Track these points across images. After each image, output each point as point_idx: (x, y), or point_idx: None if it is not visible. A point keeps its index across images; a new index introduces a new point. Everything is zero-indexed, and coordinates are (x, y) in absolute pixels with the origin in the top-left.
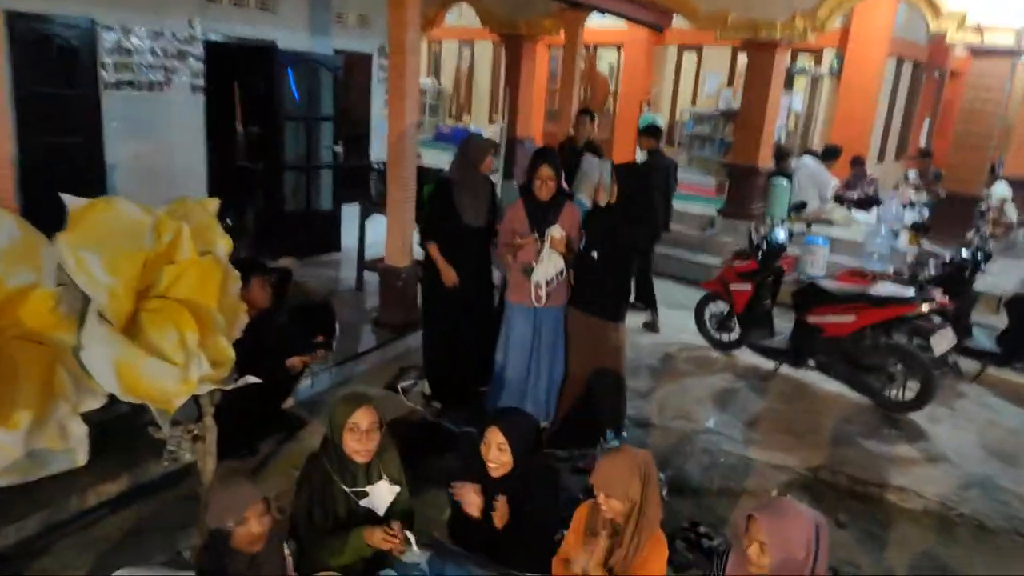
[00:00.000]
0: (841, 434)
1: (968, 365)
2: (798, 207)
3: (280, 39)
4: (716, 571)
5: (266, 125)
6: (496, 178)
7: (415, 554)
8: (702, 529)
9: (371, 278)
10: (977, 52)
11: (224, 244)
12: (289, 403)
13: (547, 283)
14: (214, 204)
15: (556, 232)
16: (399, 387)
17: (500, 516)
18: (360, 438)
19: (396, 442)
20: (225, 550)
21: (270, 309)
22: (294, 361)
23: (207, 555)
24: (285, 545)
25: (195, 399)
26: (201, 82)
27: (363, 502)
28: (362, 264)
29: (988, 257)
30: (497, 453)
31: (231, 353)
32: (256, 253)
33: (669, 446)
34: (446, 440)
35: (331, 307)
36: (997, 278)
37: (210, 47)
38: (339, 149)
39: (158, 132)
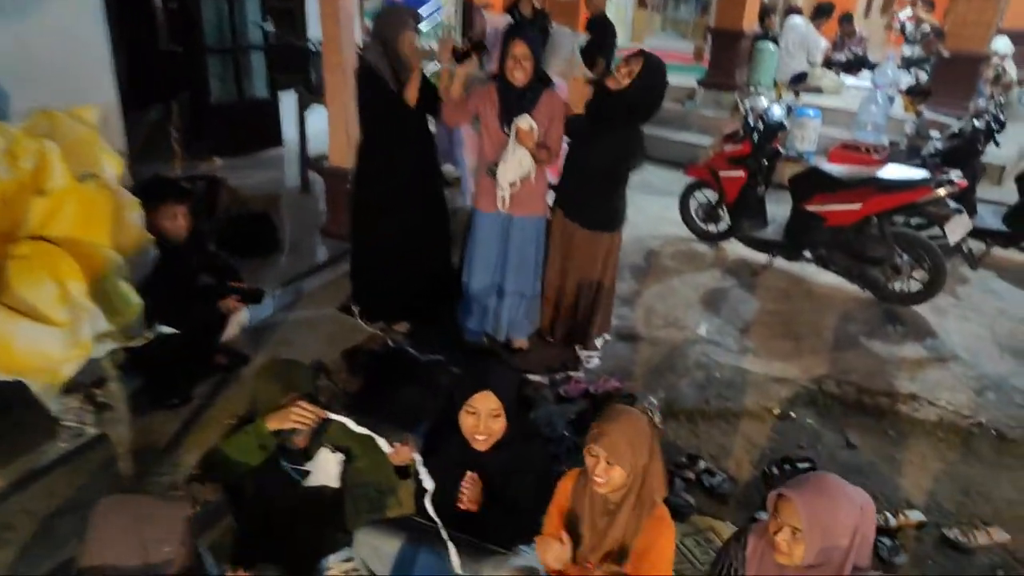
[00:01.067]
0: (843, 335)
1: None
2: (797, 79)
3: None
4: (732, 560)
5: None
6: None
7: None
8: (702, 464)
9: (320, 178)
10: None
11: (112, 163)
12: (233, 332)
13: (510, 185)
14: (93, 112)
15: (524, 123)
16: (354, 308)
17: (472, 498)
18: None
19: (352, 375)
20: None
21: (191, 237)
22: (229, 304)
23: None
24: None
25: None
26: None
27: (308, 481)
28: (305, 163)
29: (1003, 126)
30: (490, 422)
31: (136, 300)
32: (187, 154)
33: (660, 361)
34: (410, 370)
35: (271, 219)
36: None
37: None
38: (269, 27)
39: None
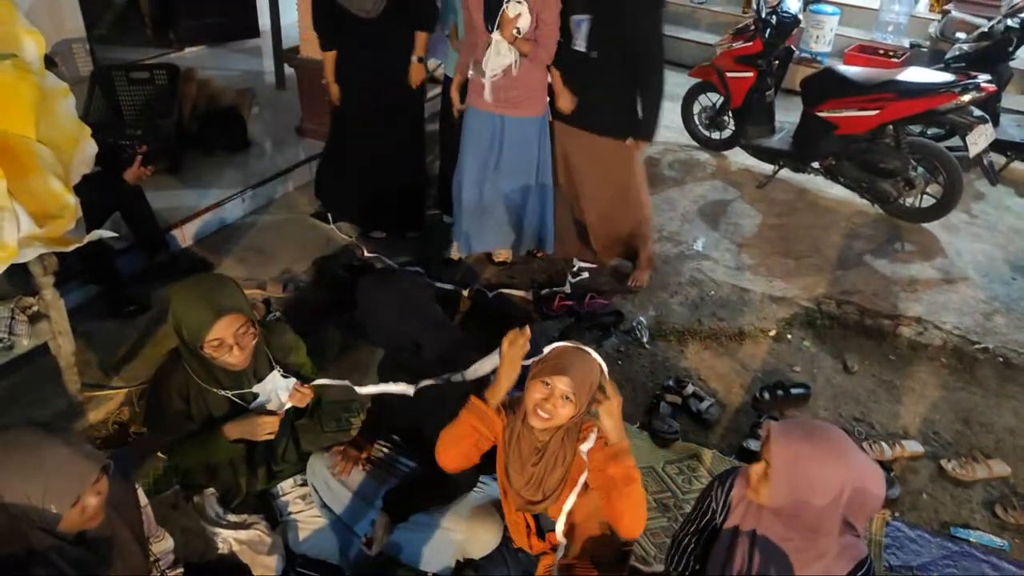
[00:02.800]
0: (847, 253)
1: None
2: None
3: None
4: (714, 502)
5: None
6: None
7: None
8: (690, 388)
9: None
10: None
11: (34, 42)
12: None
13: (492, 76)
14: None
15: (510, 8)
16: (328, 215)
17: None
18: (230, 351)
19: (323, 288)
20: (48, 538)
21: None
22: (132, 173)
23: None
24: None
25: (24, 266)
26: None
27: (253, 405)
28: (280, 55)
29: None
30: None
31: (70, 199)
32: (155, 43)
33: (652, 277)
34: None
35: (238, 113)
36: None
37: None
38: None
39: None
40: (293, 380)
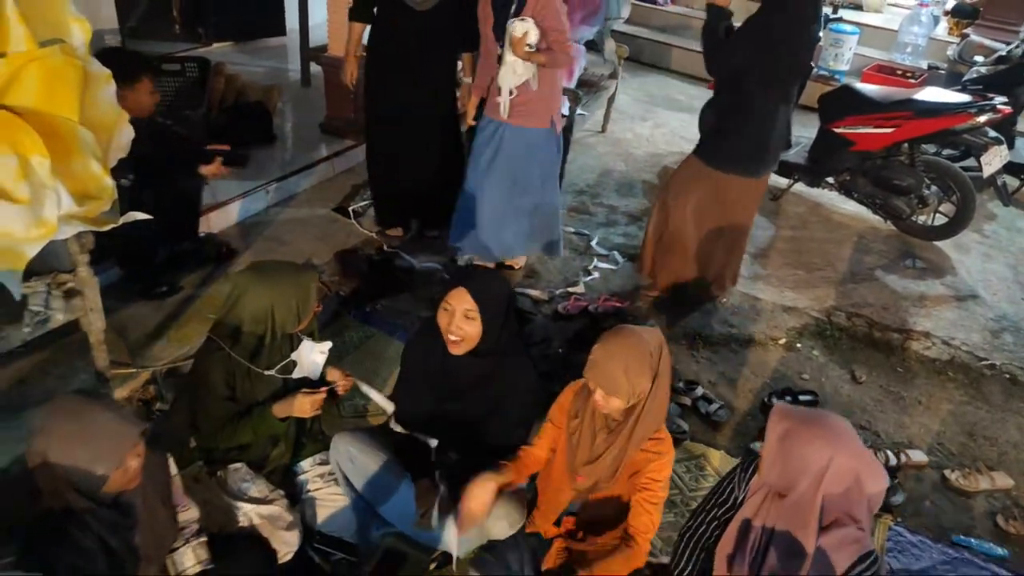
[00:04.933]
0: (859, 267)
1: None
2: None
3: None
4: (735, 487)
5: None
6: None
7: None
8: (700, 391)
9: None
10: None
11: (80, 28)
12: (224, 225)
13: (509, 92)
14: None
15: (516, 29)
16: (350, 209)
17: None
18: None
19: (345, 278)
20: (84, 500)
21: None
22: (211, 170)
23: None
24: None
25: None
26: None
27: (295, 373)
28: (306, 53)
29: None
30: (462, 322)
31: (108, 182)
32: (184, 37)
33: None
34: (404, 276)
35: (265, 108)
36: None
37: None
38: None
39: None
40: (327, 344)
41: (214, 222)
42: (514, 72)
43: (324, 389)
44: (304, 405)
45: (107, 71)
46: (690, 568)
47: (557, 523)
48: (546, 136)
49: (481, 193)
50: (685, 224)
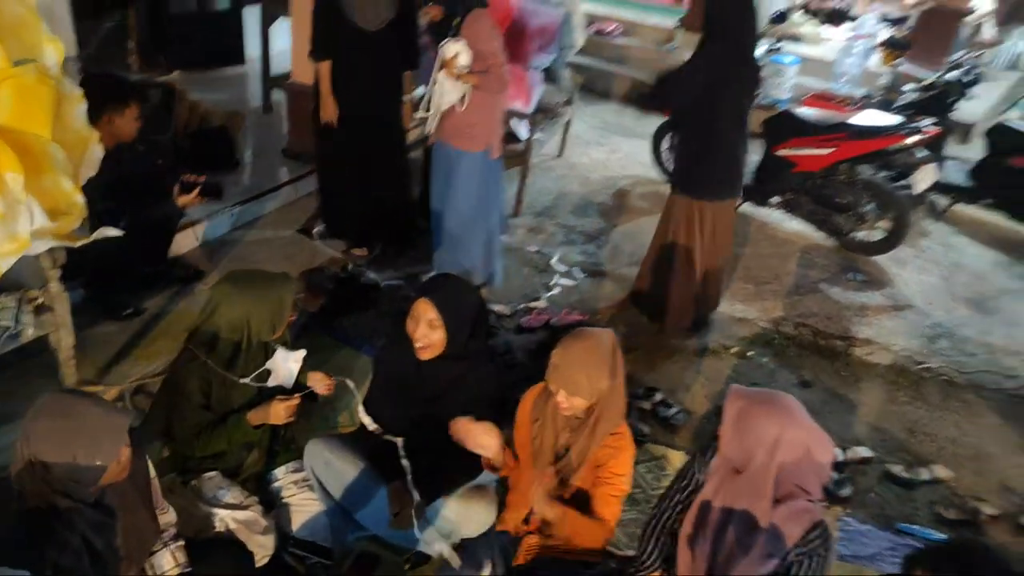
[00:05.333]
0: (803, 281)
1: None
2: (777, 18)
3: None
4: (695, 471)
5: None
6: None
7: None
8: (658, 396)
9: (284, 99)
10: None
11: (54, 49)
12: (190, 246)
13: (438, 113)
14: None
15: (448, 49)
16: (314, 231)
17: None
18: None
19: (312, 296)
20: (69, 500)
21: (138, 141)
22: (188, 198)
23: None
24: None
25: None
26: None
27: (270, 382)
28: (268, 80)
29: (977, 80)
30: (427, 330)
31: (78, 198)
32: (144, 65)
33: (623, 297)
34: (368, 294)
35: (229, 134)
36: (967, 104)
37: None
38: None
39: None
40: (301, 352)
41: (180, 243)
42: (442, 92)
43: (298, 396)
44: (279, 411)
45: (79, 91)
46: (656, 553)
47: (526, 521)
48: (478, 160)
49: (435, 213)
50: (676, 254)
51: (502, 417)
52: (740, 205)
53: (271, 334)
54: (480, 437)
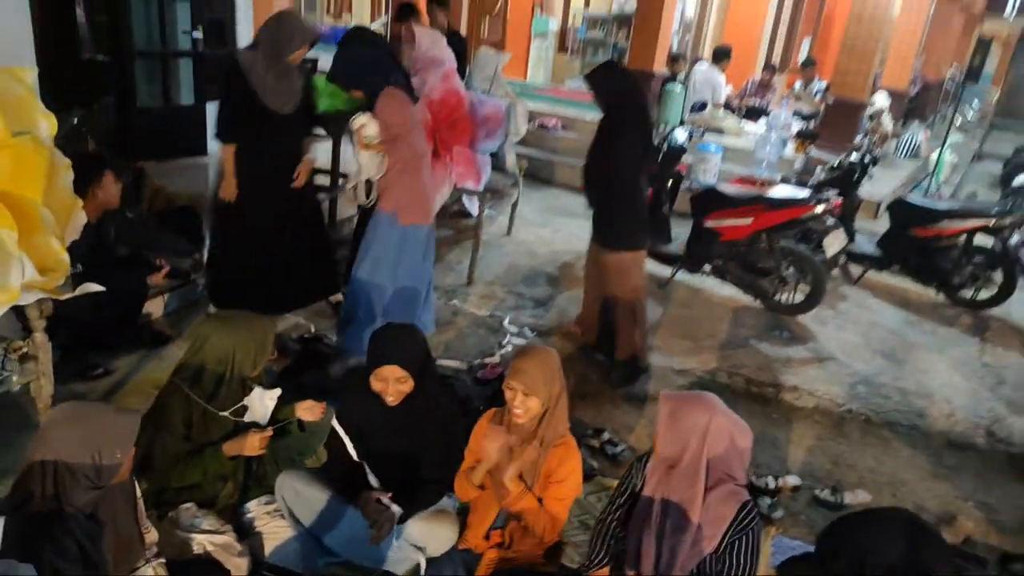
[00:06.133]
0: (736, 338)
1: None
2: (698, 108)
3: None
4: (633, 476)
5: (112, 2)
6: None
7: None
8: (606, 436)
9: None
10: None
11: (48, 123)
12: (157, 313)
13: (357, 182)
14: (30, 74)
15: (355, 122)
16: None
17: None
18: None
19: (279, 357)
20: (71, 507)
21: (118, 208)
22: (156, 279)
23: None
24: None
25: (20, 312)
26: None
27: (246, 417)
28: None
29: (875, 161)
30: (396, 386)
31: (64, 257)
32: (110, 155)
33: (571, 352)
34: (329, 354)
35: (195, 211)
36: (873, 186)
37: None
38: (199, 35)
39: None
40: (276, 391)
41: (148, 308)
42: (360, 163)
43: (271, 430)
44: (253, 443)
45: (67, 160)
46: (603, 552)
47: (487, 538)
48: (384, 222)
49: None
50: (597, 299)
51: (461, 437)
52: (676, 273)
53: (252, 370)
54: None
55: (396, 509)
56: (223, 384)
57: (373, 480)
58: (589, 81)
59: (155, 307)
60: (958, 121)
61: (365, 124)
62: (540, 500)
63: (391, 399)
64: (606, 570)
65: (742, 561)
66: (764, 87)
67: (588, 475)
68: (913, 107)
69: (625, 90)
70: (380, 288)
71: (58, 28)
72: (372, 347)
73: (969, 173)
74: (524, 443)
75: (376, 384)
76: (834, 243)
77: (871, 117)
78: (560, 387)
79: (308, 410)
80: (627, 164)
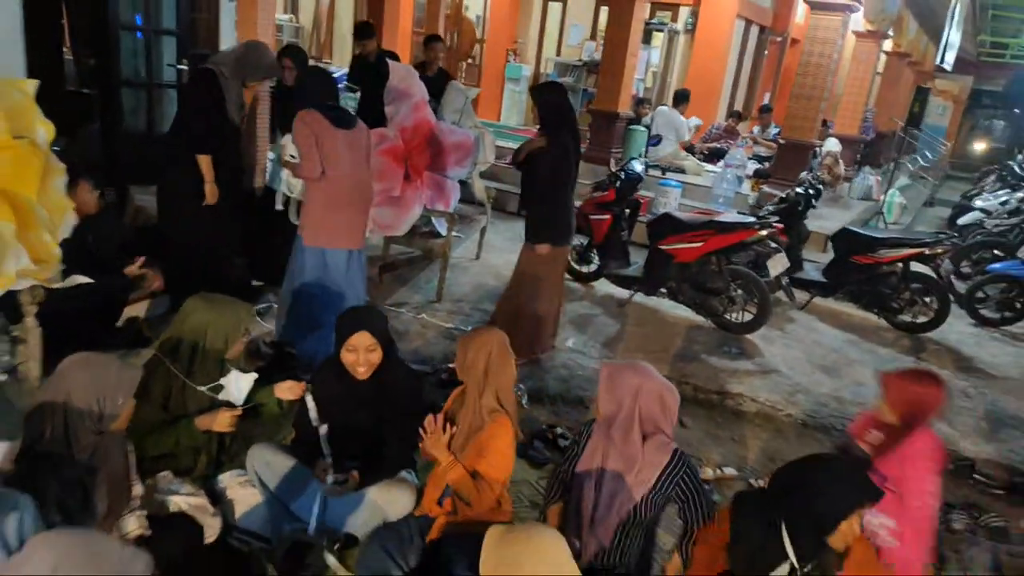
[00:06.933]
0: (687, 352)
1: (799, 295)
2: (653, 142)
3: None
4: (576, 446)
5: (98, 36)
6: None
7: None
8: (559, 430)
9: None
10: (815, 6)
11: (45, 129)
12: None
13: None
14: (32, 84)
15: (283, 140)
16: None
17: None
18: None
19: (252, 360)
20: (78, 439)
21: (100, 216)
22: (132, 269)
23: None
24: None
25: (14, 297)
26: None
27: (221, 396)
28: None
29: (818, 194)
30: (367, 355)
31: (56, 251)
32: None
33: (530, 364)
34: (295, 361)
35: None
36: (825, 222)
37: None
38: (184, 68)
39: None
40: (252, 375)
41: (133, 312)
42: (285, 180)
43: (240, 409)
44: (224, 419)
45: (62, 165)
46: (557, 493)
47: (440, 504)
48: (306, 251)
49: None
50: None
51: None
52: (634, 295)
53: (223, 345)
54: (432, 449)
55: (353, 477)
56: (197, 356)
57: (326, 450)
58: (533, 93)
59: (138, 311)
60: (910, 169)
61: (285, 145)
62: (475, 474)
63: (362, 370)
64: (559, 505)
65: (693, 496)
66: (729, 133)
67: (542, 463)
68: (868, 154)
69: (559, 103)
70: (301, 307)
71: (44, 63)
72: (341, 323)
73: (921, 216)
74: (464, 418)
75: (347, 356)
76: (777, 265)
77: (815, 155)
78: (485, 365)
79: (288, 389)
80: (556, 167)
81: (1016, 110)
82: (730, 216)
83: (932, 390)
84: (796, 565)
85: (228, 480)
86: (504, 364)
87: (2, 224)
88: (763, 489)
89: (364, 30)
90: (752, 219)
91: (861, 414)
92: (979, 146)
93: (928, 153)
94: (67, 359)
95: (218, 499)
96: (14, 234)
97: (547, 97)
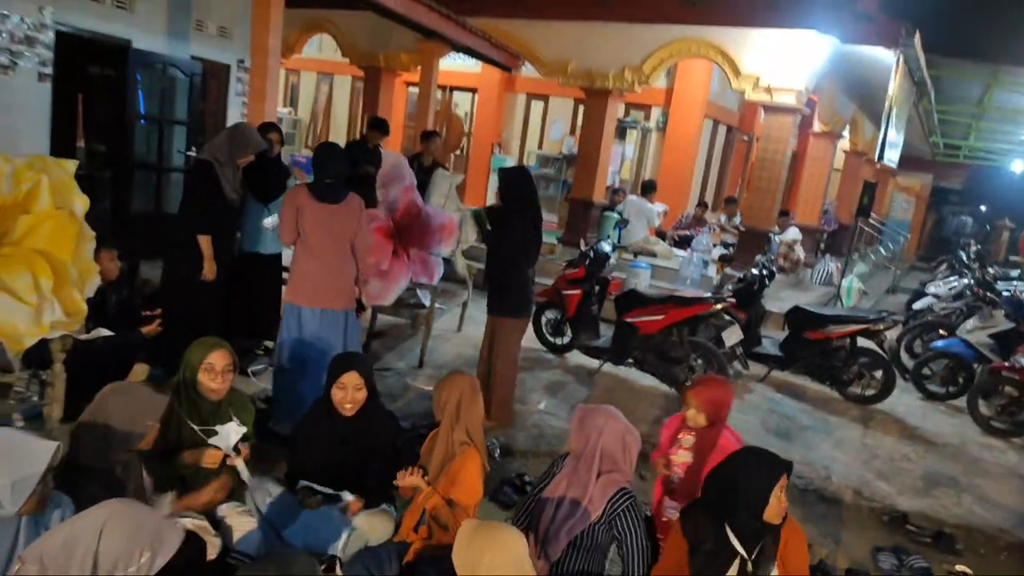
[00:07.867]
0: (650, 415)
1: (757, 369)
2: (620, 225)
3: (136, 39)
4: (552, 471)
5: (115, 125)
6: None
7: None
8: (527, 477)
9: None
10: (768, 109)
11: (81, 203)
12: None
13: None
14: (72, 164)
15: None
16: (249, 371)
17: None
18: (215, 377)
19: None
20: (112, 454)
21: (119, 281)
22: (150, 330)
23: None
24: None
25: (46, 346)
26: (49, 70)
27: (211, 440)
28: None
29: (772, 275)
30: (354, 393)
31: (84, 306)
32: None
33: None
34: None
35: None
36: (784, 303)
37: (61, 39)
38: (192, 154)
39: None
40: (245, 428)
41: (136, 372)
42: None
43: (221, 452)
44: (208, 457)
45: (93, 233)
46: (524, 520)
47: (416, 531)
48: (293, 309)
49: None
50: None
51: (398, 449)
52: (603, 364)
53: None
54: (410, 482)
55: (347, 497)
56: (184, 391)
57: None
58: (499, 173)
59: (140, 373)
60: (872, 259)
61: (273, 216)
62: (451, 501)
63: (348, 406)
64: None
65: (632, 534)
66: (698, 220)
67: (510, 505)
68: (832, 244)
69: (520, 184)
70: (283, 358)
71: (60, 150)
72: (332, 366)
73: (882, 301)
74: (438, 449)
75: (337, 393)
76: (731, 336)
77: (768, 240)
78: (457, 403)
79: (208, 456)
80: (515, 244)
81: (982, 207)
82: (689, 292)
83: (727, 389)
84: (745, 556)
85: (226, 510)
86: (473, 403)
87: (44, 281)
88: (698, 499)
89: (381, 126)
90: (709, 295)
91: (661, 435)
92: (940, 239)
93: (891, 244)
94: (107, 387)
95: (216, 525)
96: (51, 289)
97: (510, 178)
